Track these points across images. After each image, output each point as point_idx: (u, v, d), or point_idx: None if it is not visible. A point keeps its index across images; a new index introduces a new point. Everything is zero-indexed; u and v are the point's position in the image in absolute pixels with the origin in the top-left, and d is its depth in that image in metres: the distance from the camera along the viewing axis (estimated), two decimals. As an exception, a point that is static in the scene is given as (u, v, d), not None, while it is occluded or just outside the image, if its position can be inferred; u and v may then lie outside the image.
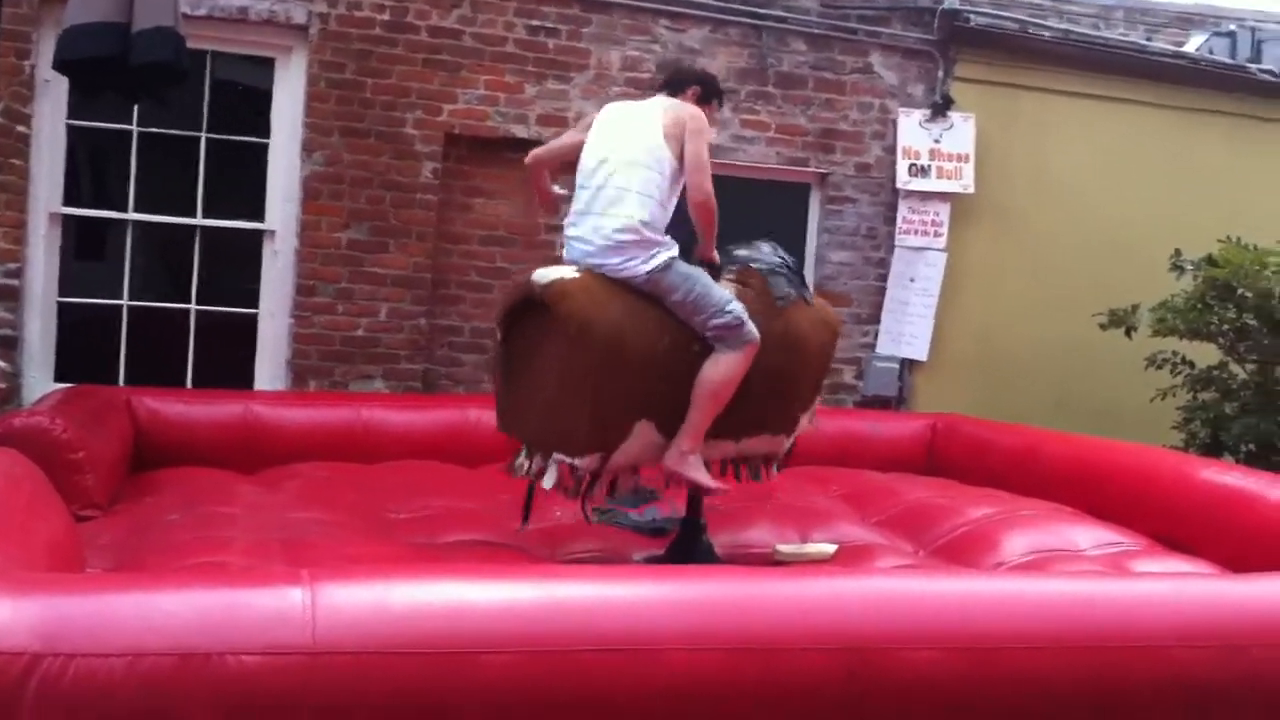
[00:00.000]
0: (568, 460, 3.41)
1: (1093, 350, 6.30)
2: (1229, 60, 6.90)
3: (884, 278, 6.49)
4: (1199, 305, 5.62)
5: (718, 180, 3.67)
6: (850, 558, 3.82)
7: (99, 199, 5.64)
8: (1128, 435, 5.16)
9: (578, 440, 3.39)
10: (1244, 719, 2.46)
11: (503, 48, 5.81)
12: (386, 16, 5.62)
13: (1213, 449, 5.58)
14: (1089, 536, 4.05)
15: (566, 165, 3.93)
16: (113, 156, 5.55)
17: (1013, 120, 6.59)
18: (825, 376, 4.03)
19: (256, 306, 5.67)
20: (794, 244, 6.41)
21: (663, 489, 3.76)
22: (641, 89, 5.67)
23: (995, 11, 6.53)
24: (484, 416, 5.03)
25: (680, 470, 3.51)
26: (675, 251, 3.54)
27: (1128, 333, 5.84)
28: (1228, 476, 4.19)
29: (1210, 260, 5.57)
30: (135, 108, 5.36)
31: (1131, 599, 2.59)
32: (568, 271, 3.48)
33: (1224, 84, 6.82)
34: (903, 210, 6.46)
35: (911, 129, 6.43)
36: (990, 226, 6.57)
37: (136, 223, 5.52)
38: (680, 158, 3.55)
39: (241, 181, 5.67)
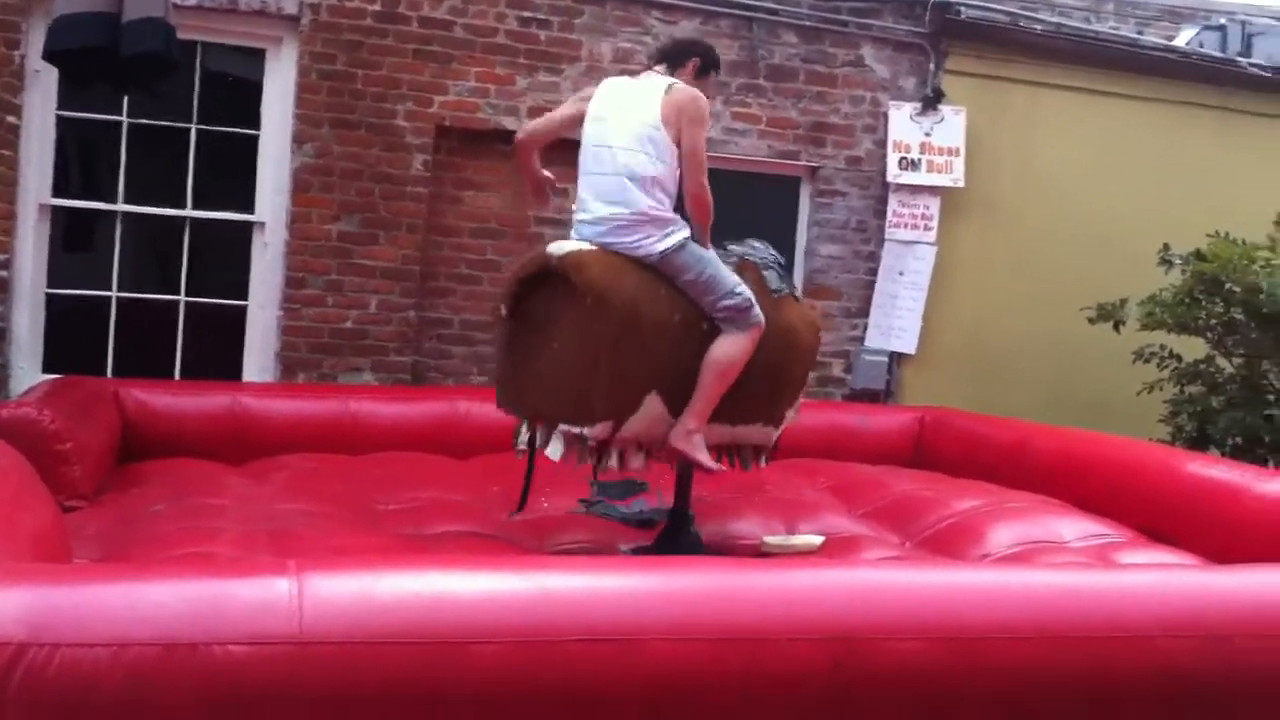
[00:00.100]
0: (575, 430, 3.42)
1: (1081, 344, 6.32)
2: (1219, 54, 6.92)
3: (874, 271, 6.50)
4: (1187, 299, 5.64)
5: (709, 173, 3.67)
6: (837, 549, 3.83)
7: (88, 190, 5.62)
8: (1115, 428, 5.18)
9: (591, 408, 3.40)
10: (1227, 709, 2.48)
11: (494, 39, 5.79)
12: (377, 7, 5.60)
13: (1199, 442, 5.61)
14: (1074, 528, 4.07)
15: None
16: (102, 147, 5.53)
17: (1003, 114, 6.60)
18: (809, 374, 4.08)
19: (246, 298, 5.66)
20: (784, 237, 6.44)
21: (669, 462, 3.75)
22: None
23: (986, 5, 6.53)
24: (473, 409, 5.06)
25: (685, 449, 3.54)
26: (688, 233, 3.59)
27: (1116, 326, 5.86)
28: (1214, 470, 4.22)
29: (1199, 255, 5.58)
30: (125, 99, 5.34)
31: (1116, 590, 2.61)
32: (583, 245, 3.53)
33: (1214, 78, 6.83)
34: (893, 204, 6.46)
35: (902, 122, 6.44)
36: (980, 220, 6.58)
37: (126, 214, 5.51)
38: (679, 143, 3.57)
39: (231, 173, 5.65)
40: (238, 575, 2.06)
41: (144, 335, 5.57)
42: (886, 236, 6.46)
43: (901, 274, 6.47)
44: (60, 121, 5.35)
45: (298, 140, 5.55)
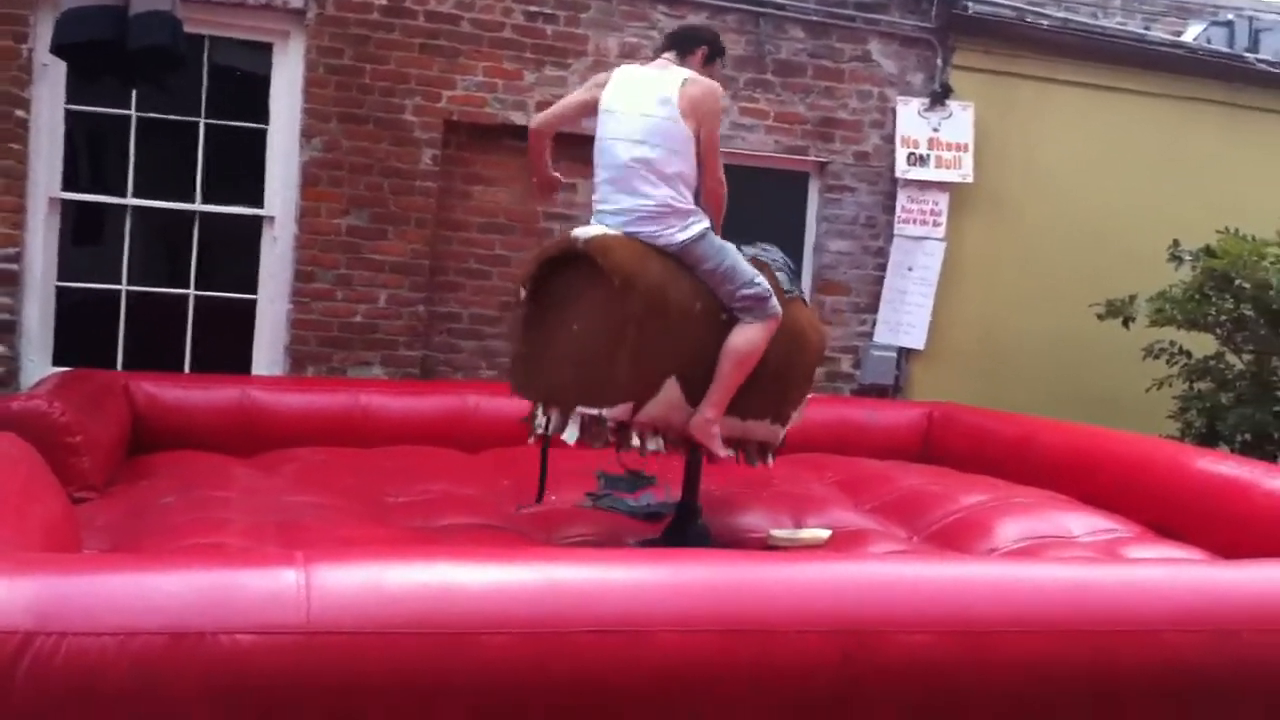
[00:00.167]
0: (593, 412, 3.42)
1: (1090, 340, 6.31)
2: (1227, 50, 6.89)
3: (882, 267, 6.49)
4: (1197, 296, 5.63)
5: (720, 168, 3.71)
6: (844, 543, 3.83)
7: (98, 184, 5.63)
8: (1124, 425, 5.16)
9: (612, 389, 3.40)
10: (1235, 704, 2.47)
11: (500, 34, 5.80)
12: (384, 1, 5.60)
13: (1208, 439, 5.59)
14: (1082, 523, 4.07)
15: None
16: (111, 141, 5.54)
17: (1011, 109, 6.58)
18: (814, 376, 4.10)
19: (255, 292, 5.67)
20: (793, 233, 6.43)
21: (680, 449, 3.75)
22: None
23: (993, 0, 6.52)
24: (482, 403, 5.06)
25: (703, 437, 3.56)
26: (708, 223, 3.62)
27: (1125, 323, 5.84)
28: (1223, 466, 4.21)
29: (1209, 251, 5.57)
30: (134, 93, 5.35)
31: (1124, 584, 2.60)
32: (609, 230, 3.55)
33: (1222, 74, 6.81)
34: (901, 199, 6.45)
35: (910, 118, 6.42)
36: (989, 216, 6.57)
37: (135, 208, 5.52)
38: (698, 136, 3.60)
39: (240, 167, 5.66)
40: (246, 565, 2.06)
41: (154, 329, 5.59)
42: (895, 232, 6.45)
43: (910, 269, 6.46)
44: (69, 115, 5.36)
45: (306, 134, 5.56)
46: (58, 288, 5.40)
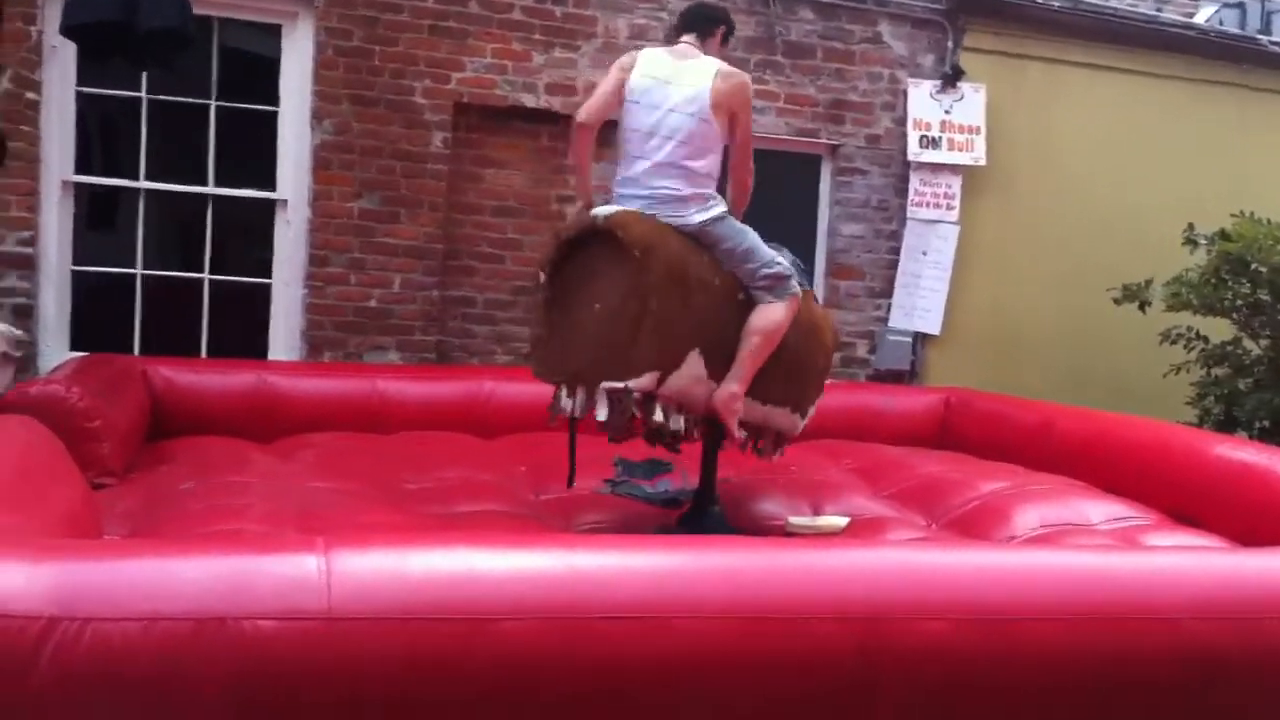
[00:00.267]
0: (619, 385, 3.42)
1: (1105, 325, 6.28)
2: (1239, 31, 6.84)
3: (896, 250, 6.46)
4: (1212, 280, 5.59)
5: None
6: (862, 530, 3.83)
7: (110, 167, 5.64)
8: (1140, 411, 5.15)
9: (636, 360, 3.41)
10: (1256, 691, 2.46)
11: (509, 15, 5.77)
12: (392, -17, 5.58)
13: (1227, 425, 5.56)
14: (1101, 510, 4.05)
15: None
16: (123, 124, 5.54)
17: (1023, 91, 6.55)
18: (829, 371, 4.13)
19: (270, 276, 5.67)
20: (805, 216, 6.41)
21: (699, 426, 3.76)
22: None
23: (1005, -19, 6.48)
24: (499, 389, 5.07)
25: (725, 411, 3.57)
26: (725, 207, 3.66)
27: (1141, 307, 5.81)
28: (1241, 452, 4.17)
29: (1224, 235, 5.53)
30: (144, 75, 5.34)
31: (1143, 572, 2.59)
32: (627, 208, 3.57)
33: (1234, 55, 6.76)
34: (914, 182, 6.42)
35: (922, 100, 6.39)
36: (1002, 199, 6.53)
37: (148, 191, 5.52)
38: (728, 129, 3.64)
39: (252, 150, 5.65)
40: (267, 551, 2.06)
41: (170, 313, 5.59)
42: (909, 216, 6.42)
43: (924, 253, 6.43)
44: (80, 98, 5.34)
45: (317, 117, 5.54)
46: (73, 272, 5.41)
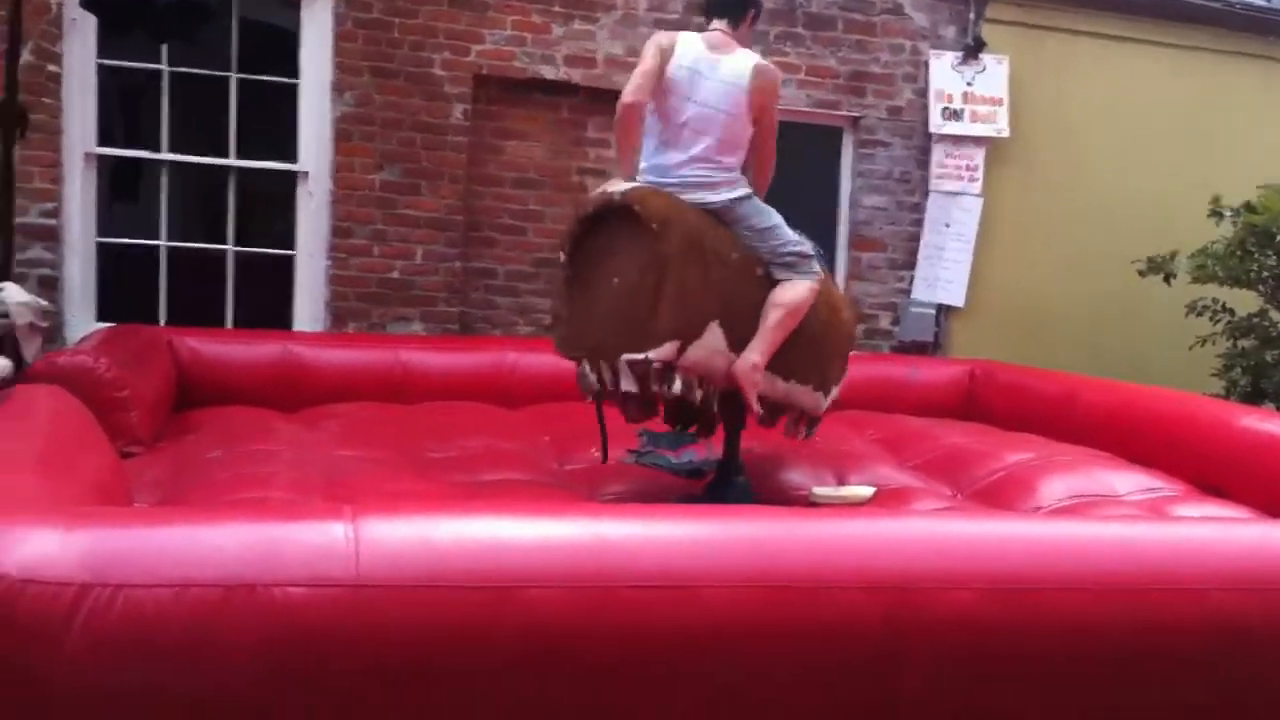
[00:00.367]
0: (640, 356, 3.43)
1: (1130, 297, 6.24)
2: (1263, 2, 6.74)
3: (919, 222, 6.42)
4: (1238, 252, 5.54)
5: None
6: (888, 500, 3.82)
7: (133, 139, 5.65)
8: (1165, 383, 5.12)
9: (656, 330, 3.42)
10: (1284, 663, 2.45)
11: (529, -14, 5.74)
12: (413, -47, 5.55)
13: (1254, 396, 5.52)
14: (1127, 481, 4.03)
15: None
16: (145, 97, 5.54)
17: (1046, 63, 6.48)
18: (849, 352, 4.11)
19: (293, 248, 5.68)
20: (827, 188, 6.38)
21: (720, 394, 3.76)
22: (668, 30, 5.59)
23: (1028, -49, 6.39)
24: (521, 360, 5.07)
25: (745, 381, 3.57)
26: (749, 188, 3.69)
27: (1167, 279, 5.77)
28: (1268, 423, 4.14)
29: (1249, 207, 5.47)
30: (165, 48, 5.34)
31: (1171, 542, 2.57)
32: (643, 184, 3.59)
33: (1258, 27, 6.67)
34: (937, 154, 6.37)
35: (944, 71, 6.32)
36: (1024, 171, 6.48)
37: (172, 163, 5.53)
38: (756, 120, 3.66)
39: (274, 122, 5.66)
40: (295, 519, 2.07)
41: (194, 284, 5.62)
42: (931, 188, 6.38)
43: (948, 226, 6.39)
44: (101, 70, 5.34)
45: (338, 89, 5.54)
46: (98, 244, 5.43)
